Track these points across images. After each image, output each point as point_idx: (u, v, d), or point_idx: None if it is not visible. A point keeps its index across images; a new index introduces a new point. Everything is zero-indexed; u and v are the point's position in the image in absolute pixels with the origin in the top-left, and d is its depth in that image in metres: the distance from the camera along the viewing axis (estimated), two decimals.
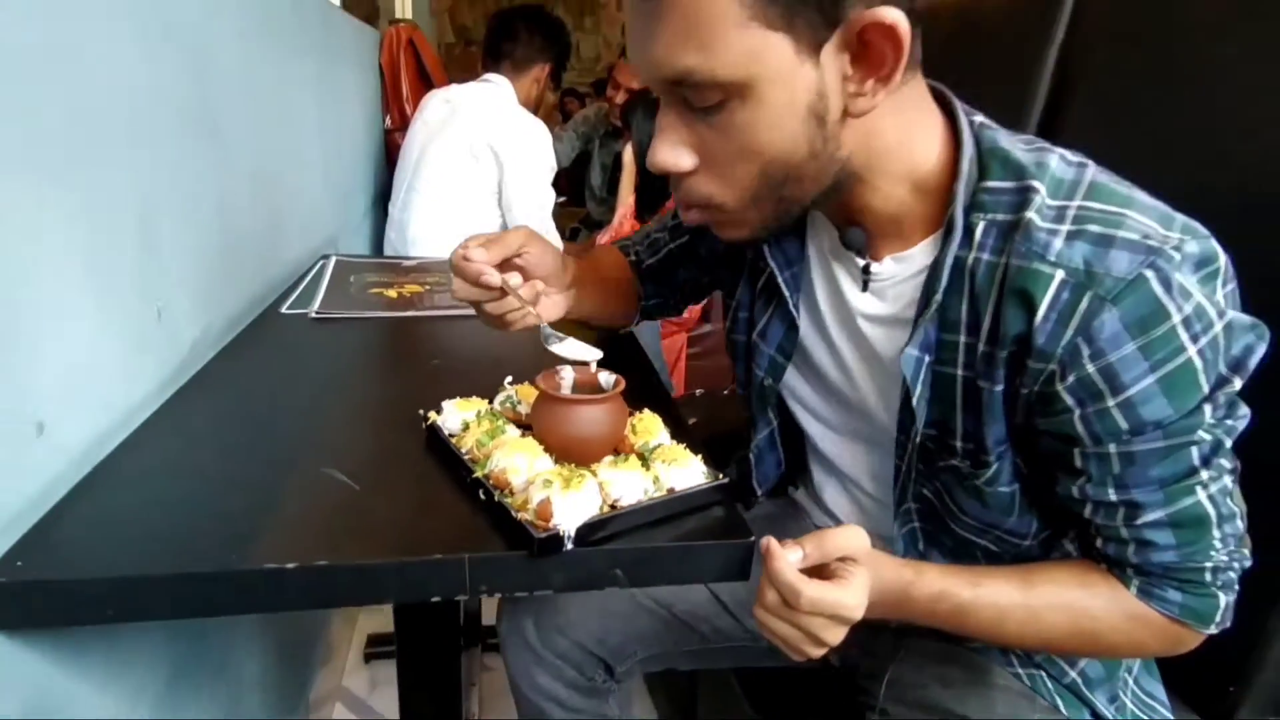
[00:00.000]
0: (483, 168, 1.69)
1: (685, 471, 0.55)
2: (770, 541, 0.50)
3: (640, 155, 2.18)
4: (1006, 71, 0.96)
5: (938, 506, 0.62)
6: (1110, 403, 0.47)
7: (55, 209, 0.52)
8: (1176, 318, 0.45)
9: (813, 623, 0.49)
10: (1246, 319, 0.48)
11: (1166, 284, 0.45)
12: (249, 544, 0.47)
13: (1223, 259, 0.47)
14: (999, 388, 0.51)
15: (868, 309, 0.60)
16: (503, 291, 0.61)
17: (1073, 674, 0.63)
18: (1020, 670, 0.64)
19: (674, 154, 0.51)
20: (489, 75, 1.81)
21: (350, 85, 1.74)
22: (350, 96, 1.74)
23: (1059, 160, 0.51)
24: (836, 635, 0.50)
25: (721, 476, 0.56)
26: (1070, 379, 0.48)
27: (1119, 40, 0.84)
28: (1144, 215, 0.47)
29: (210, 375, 0.74)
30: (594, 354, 0.60)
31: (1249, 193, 0.67)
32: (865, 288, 0.59)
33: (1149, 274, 0.45)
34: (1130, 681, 0.65)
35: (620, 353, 0.74)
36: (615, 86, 2.55)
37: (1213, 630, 0.55)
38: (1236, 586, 0.54)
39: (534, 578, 0.49)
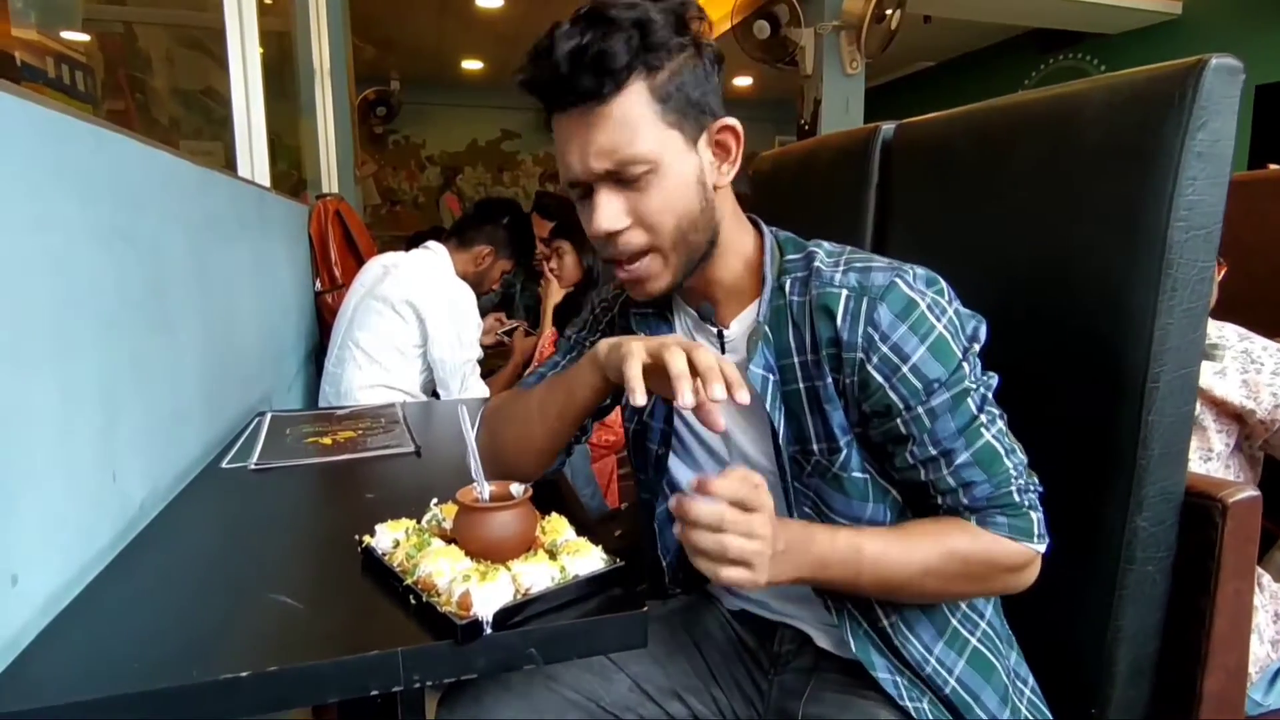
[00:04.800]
0: (407, 324, 1.83)
1: (587, 560, 0.65)
2: (696, 478, 0.62)
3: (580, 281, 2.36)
4: (842, 203, 1.18)
5: (816, 518, 0.76)
6: (905, 369, 0.68)
7: (36, 392, 0.62)
8: (923, 305, 0.68)
9: (733, 520, 0.60)
10: (967, 310, 0.72)
11: (910, 286, 0.69)
12: (206, 662, 0.54)
13: (943, 281, 0.72)
14: (829, 380, 0.71)
15: None
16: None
17: (952, 681, 0.74)
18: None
19: (614, 218, 0.70)
20: (430, 243, 2.00)
21: (282, 256, 1.89)
22: (282, 266, 1.88)
23: (827, 244, 0.77)
24: (745, 546, 0.61)
25: (618, 561, 0.66)
26: (874, 359, 0.68)
27: (911, 185, 1.07)
28: (884, 260, 0.72)
29: (158, 528, 0.81)
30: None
31: (1001, 278, 0.87)
32: (723, 350, 0.77)
33: (898, 280, 0.69)
34: (1025, 690, 0.78)
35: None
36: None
37: (1039, 545, 0.71)
38: (1040, 506, 0.71)
39: (460, 664, 0.57)
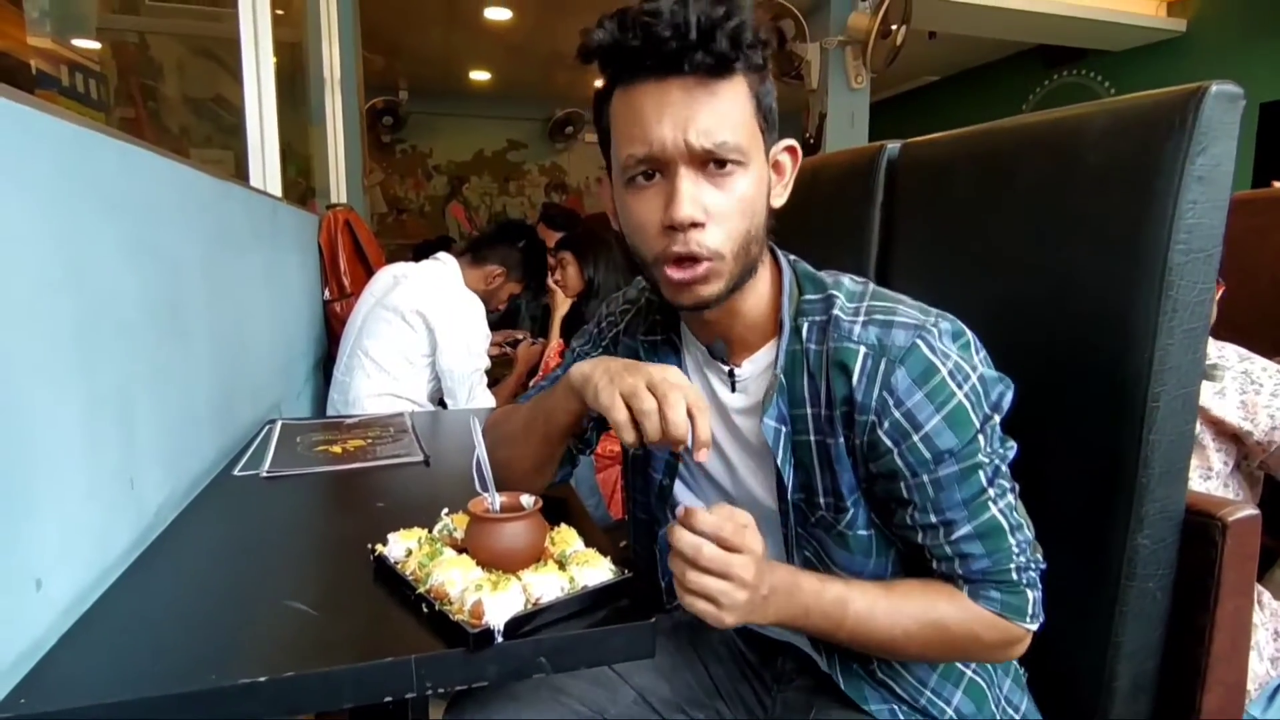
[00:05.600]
0: (416, 334, 1.85)
1: (596, 571, 0.66)
2: (682, 507, 0.63)
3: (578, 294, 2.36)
4: (847, 221, 1.19)
5: (817, 566, 0.75)
6: (916, 438, 0.66)
7: (59, 402, 0.64)
8: (944, 371, 0.65)
9: (709, 557, 0.60)
10: (994, 373, 0.69)
11: (932, 349, 0.66)
12: (224, 667, 0.56)
13: (970, 334, 0.69)
14: (840, 440, 0.69)
15: (736, 404, 0.76)
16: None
17: (950, 711, 0.75)
18: None
19: (695, 208, 0.65)
20: (440, 254, 2.03)
21: (293, 265, 1.91)
22: (293, 274, 1.91)
23: (849, 280, 0.73)
24: (706, 582, 0.61)
25: (626, 572, 0.67)
26: (886, 424, 0.66)
27: (915, 204, 1.08)
28: (910, 308, 0.68)
29: (174, 534, 0.82)
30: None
31: (1003, 298, 0.88)
32: (733, 389, 0.76)
33: (919, 343, 0.66)
34: (1015, 717, 0.77)
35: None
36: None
37: (1030, 625, 0.69)
38: (1039, 585, 0.70)
39: (472, 671, 0.59)
